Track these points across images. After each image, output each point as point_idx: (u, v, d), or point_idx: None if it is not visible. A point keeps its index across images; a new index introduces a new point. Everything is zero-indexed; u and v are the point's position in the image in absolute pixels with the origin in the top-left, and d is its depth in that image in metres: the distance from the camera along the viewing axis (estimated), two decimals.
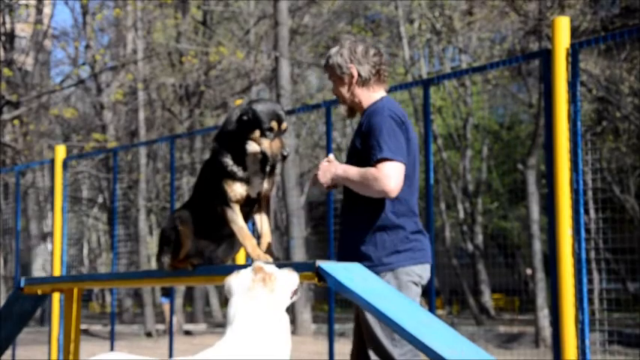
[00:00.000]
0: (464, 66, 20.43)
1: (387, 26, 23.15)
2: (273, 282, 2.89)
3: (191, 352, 2.97)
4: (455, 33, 19.35)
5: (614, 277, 13.36)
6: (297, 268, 3.10)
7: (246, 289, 2.87)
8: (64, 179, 9.40)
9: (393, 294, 3.23)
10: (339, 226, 3.87)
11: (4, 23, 17.64)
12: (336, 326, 7.72)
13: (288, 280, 2.98)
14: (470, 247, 22.48)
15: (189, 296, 21.82)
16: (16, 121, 15.95)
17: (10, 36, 18.18)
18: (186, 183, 17.62)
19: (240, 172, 3.49)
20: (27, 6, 18.15)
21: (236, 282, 2.92)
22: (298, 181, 16.65)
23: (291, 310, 2.92)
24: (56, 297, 8.31)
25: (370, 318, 3.43)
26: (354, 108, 3.77)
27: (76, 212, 24.95)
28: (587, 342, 4.94)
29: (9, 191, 14.28)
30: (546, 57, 5.26)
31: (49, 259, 15.78)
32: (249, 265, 3.03)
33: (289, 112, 7.36)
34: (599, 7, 15.08)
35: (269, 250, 3.56)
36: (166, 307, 16.55)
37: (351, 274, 3.20)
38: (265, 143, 3.43)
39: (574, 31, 6.61)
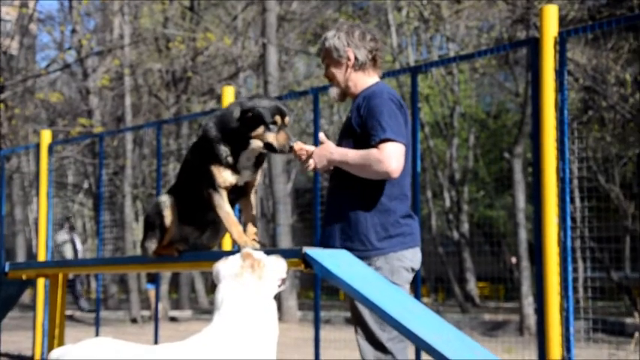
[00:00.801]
0: (451, 54, 20.41)
1: (375, 14, 23.08)
2: (261, 269, 2.89)
3: (177, 339, 2.96)
4: (443, 21, 19.31)
5: (598, 266, 13.43)
6: (284, 254, 3.10)
7: (234, 275, 2.86)
8: (50, 164, 9.35)
9: (379, 280, 3.24)
10: (325, 207, 3.86)
11: None
12: (322, 313, 7.75)
13: (277, 268, 2.98)
14: (456, 235, 22.54)
15: (174, 282, 21.77)
16: (0, 105, 15.81)
17: None
18: (173, 169, 17.53)
19: (232, 161, 3.50)
20: None
21: (224, 268, 2.91)
22: (285, 168, 16.59)
23: (277, 297, 2.91)
24: (41, 282, 8.28)
25: (358, 303, 3.44)
26: (346, 92, 3.77)
27: (62, 198, 24.82)
28: (571, 330, 4.96)
29: None
30: (534, 45, 5.25)
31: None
32: (237, 252, 3.02)
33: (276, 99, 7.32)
34: None
35: (254, 237, 3.56)
36: (152, 294, 16.51)
37: (337, 261, 3.20)
38: (271, 137, 3.46)
39: (561, 20, 6.61)
